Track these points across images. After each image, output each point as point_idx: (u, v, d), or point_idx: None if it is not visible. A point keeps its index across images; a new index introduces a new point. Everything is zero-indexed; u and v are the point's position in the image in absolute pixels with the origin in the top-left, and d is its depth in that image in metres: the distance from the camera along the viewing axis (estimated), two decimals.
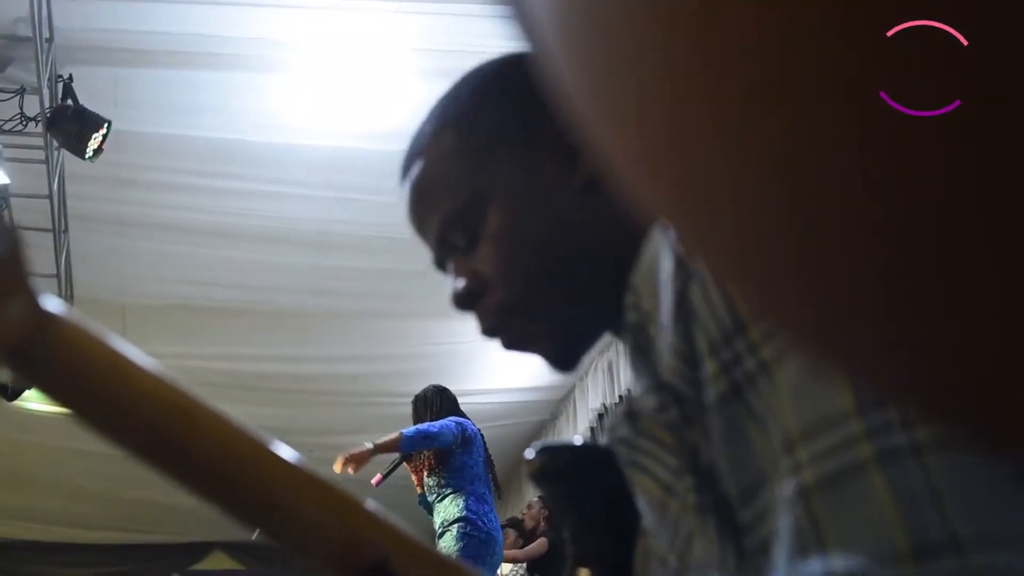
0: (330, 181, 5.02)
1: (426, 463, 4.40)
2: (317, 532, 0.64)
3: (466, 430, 4.35)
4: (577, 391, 7.36)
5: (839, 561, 0.47)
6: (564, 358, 0.77)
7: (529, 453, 0.79)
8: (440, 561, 0.70)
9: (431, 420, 4.42)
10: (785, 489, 0.51)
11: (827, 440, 0.50)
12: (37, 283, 0.52)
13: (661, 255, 0.60)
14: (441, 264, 0.81)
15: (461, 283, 0.78)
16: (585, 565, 0.77)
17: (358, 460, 4.10)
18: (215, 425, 0.60)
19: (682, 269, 0.57)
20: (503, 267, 0.75)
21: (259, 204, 5.21)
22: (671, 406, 0.60)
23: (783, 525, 0.51)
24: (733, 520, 0.57)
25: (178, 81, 4.50)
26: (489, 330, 0.78)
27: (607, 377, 6.54)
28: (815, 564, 0.48)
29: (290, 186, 5.08)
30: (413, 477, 4.56)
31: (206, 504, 0.61)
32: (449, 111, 0.79)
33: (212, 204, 5.20)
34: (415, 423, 4.47)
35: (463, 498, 4.29)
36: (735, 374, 0.54)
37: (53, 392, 0.55)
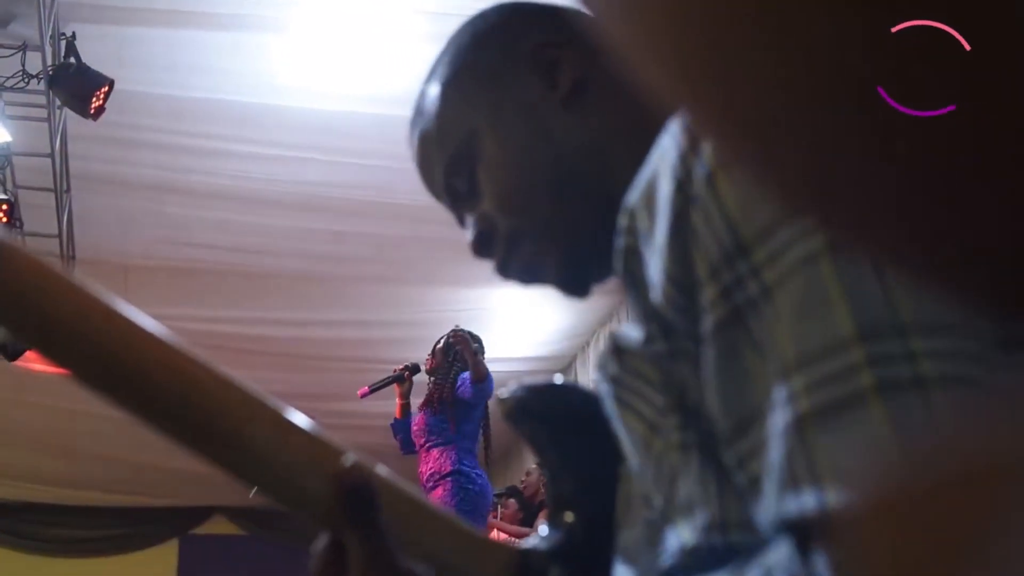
0: (334, 144, 4.99)
1: (428, 403, 4.44)
2: (282, 462, 0.63)
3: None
4: (579, 361, 7.36)
5: (834, 495, 0.45)
6: (574, 280, 0.79)
7: (503, 392, 0.77)
8: (413, 494, 0.70)
9: (444, 367, 4.46)
10: (779, 419, 0.49)
11: (826, 367, 0.47)
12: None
13: (659, 177, 0.57)
14: (462, 221, 0.84)
15: (474, 229, 0.80)
16: (566, 507, 0.75)
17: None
18: (165, 352, 0.59)
19: (682, 191, 0.55)
20: (501, 193, 0.78)
21: (263, 167, 5.19)
22: (658, 338, 0.58)
23: (774, 456, 0.49)
24: (718, 459, 0.55)
25: (182, 41, 4.46)
26: (502, 263, 0.80)
27: None
28: (808, 497, 0.46)
29: (294, 149, 5.06)
30: (397, 401, 4.63)
31: (167, 439, 0.61)
32: (436, 69, 0.83)
33: (215, 166, 5.18)
34: (434, 366, 4.49)
35: (454, 451, 4.37)
36: (737, 298, 0.52)
37: None
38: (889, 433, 0.44)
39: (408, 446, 4.65)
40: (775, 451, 0.49)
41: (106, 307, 0.58)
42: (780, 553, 0.48)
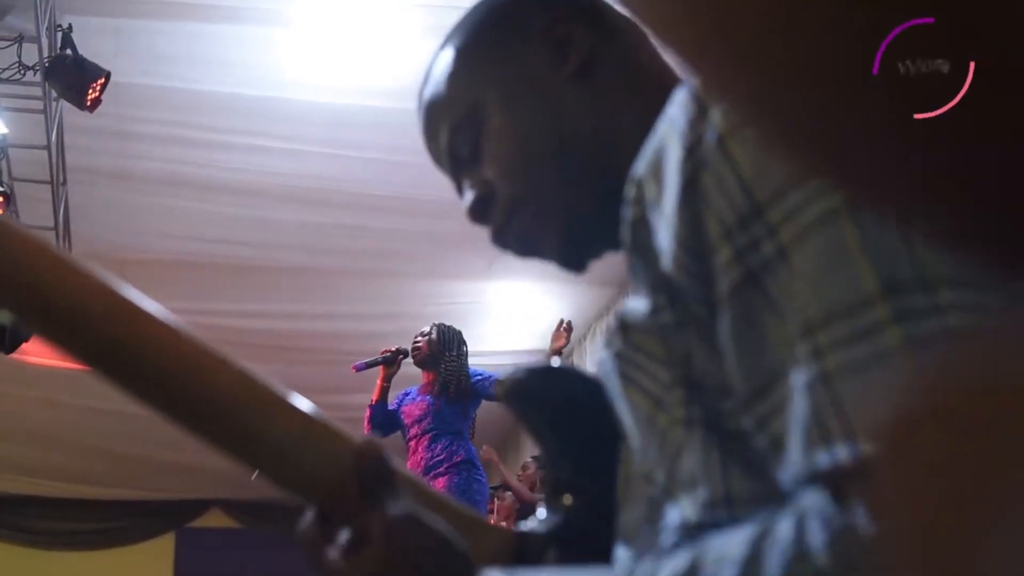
0: (332, 137, 4.98)
1: (444, 391, 4.39)
2: (285, 444, 0.63)
3: None
4: (575, 355, 7.36)
5: (869, 446, 0.45)
6: (573, 254, 0.79)
7: (502, 375, 0.78)
8: (413, 477, 0.70)
9: (449, 357, 4.41)
10: (802, 376, 0.49)
11: (851, 324, 0.47)
12: None
13: (667, 146, 0.57)
14: (460, 188, 0.84)
15: (472, 194, 0.81)
16: (564, 490, 0.75)
17: None
18: (167, 333, 0.60)
19: (692, 157, 0.55)
20: (505, 160, 0.78)
21: (259, 159, 5.18)
22: (665, 308, 0.58)
23: (799, 413, 0.49)
24: (722, 434, 0.55)
25: (179, 33, 4.45)
26: (499, 232, 0.80)
27: None
28: (841, 449, 0.46)
29: (291, 142, 5.05)
30: (378, 383, 4.58)
31: (167, 421, 0.60)
32: (451, 37, 0.84)
33: (212, 158, 5.17)
34: (430, 354, 4.45)
35: (465, 442, 4.38)
36: (752, 260, 0.52)
37: None
38: (919, 384, 0.45)
39: (384, 429, 4.53)
40: (800, 407, 0.49)
41: (109, 289, 0.58)
42: (813, 499, 0.48)
